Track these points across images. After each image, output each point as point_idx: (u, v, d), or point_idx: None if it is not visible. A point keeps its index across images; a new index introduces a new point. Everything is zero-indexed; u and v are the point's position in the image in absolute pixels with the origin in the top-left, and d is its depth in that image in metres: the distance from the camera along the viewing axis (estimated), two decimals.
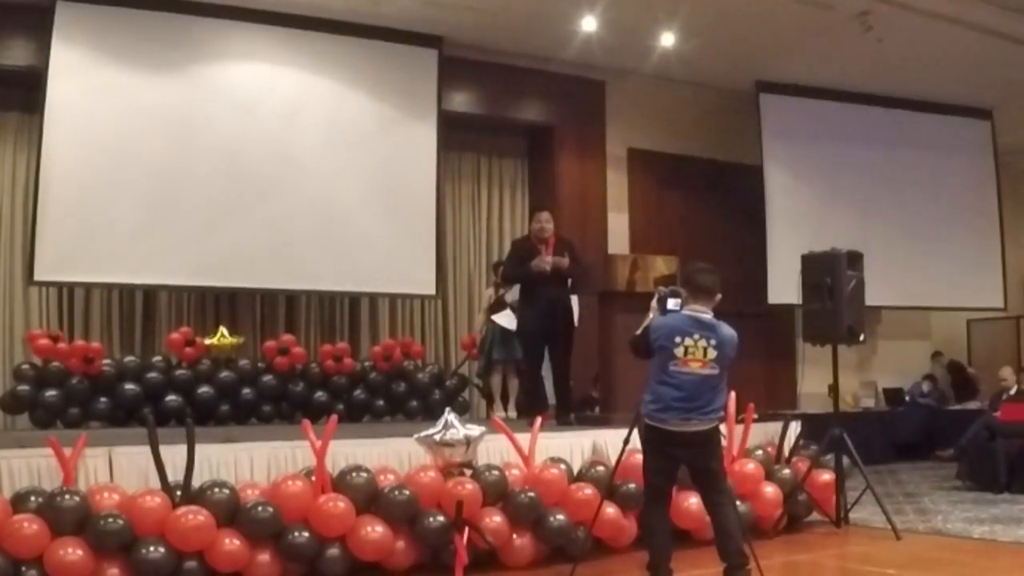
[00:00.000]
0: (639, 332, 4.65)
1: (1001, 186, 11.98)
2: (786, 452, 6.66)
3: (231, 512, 4.69)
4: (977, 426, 8.99)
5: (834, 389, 6.80)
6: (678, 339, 4.44)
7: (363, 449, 5.39)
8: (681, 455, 4.54)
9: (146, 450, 4.69)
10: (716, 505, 4.55)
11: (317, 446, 4.94)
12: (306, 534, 4.77)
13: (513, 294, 8.40)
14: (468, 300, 10.51)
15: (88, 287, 8.71)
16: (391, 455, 5.43)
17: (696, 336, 4.45)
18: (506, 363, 8.79)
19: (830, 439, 6.47)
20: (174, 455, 4.75)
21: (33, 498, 4.47)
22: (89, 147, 8.28)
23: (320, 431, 5.05)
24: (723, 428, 4.79)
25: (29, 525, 4.30)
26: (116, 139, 8.38)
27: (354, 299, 9.83)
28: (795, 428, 6.85)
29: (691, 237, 10.56)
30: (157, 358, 8.51)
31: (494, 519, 5.13)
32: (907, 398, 12.01)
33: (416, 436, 5.31)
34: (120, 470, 4.84)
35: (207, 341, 8.57)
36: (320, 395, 8.87)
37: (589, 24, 9.28)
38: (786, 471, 6.44)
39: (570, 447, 5.99)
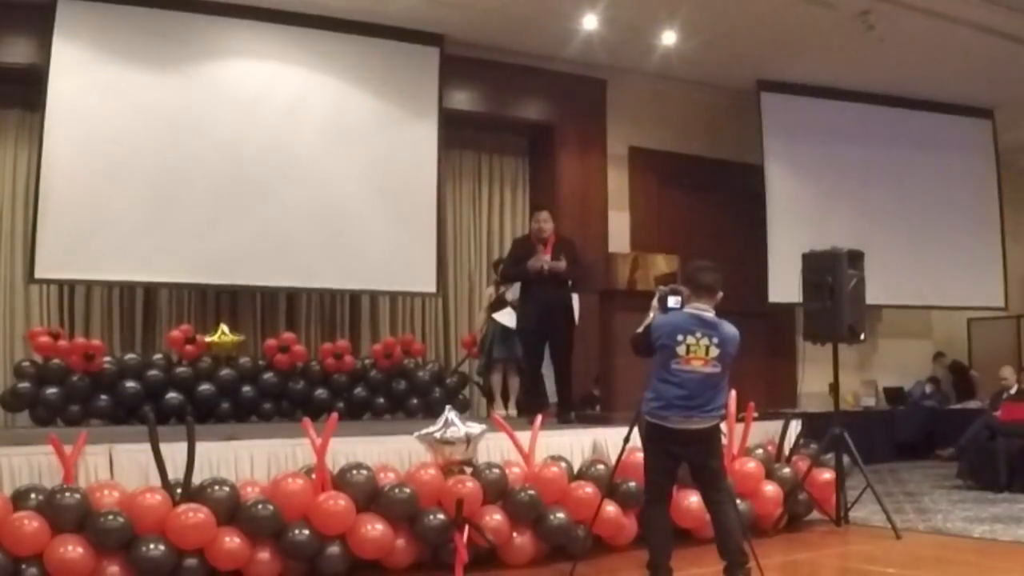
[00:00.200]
0: (640, 330, 4.66)
1: (1002, 185, 11.96)
2: (786, 451, 6.66)
3: (231, 510, 4.70)
4: (977, 425, 9.00)
5: (834, 388, 6.80)
6: (680, 337, 4.45)
7: (363, 447, 5.40)
8: (682, 453, 4.55)
9: (146, 448, 4.70)
10: (716, 504, 4.56)
11: (317, 444, 4.94)
12: (306, 532, 4.77)
13: (513, 292, 8.40)
14: (469, 298, 10.50)
15: (89, 284, 8.70)
16: (391, 453, 5.44)
17: (698, 334, 4.45)
18: (506, 361, 8.80)
19: (830, 438, 6.47)
20: (174, 453, 4.76)
21: (33, 496, 4.48)
22: (90, 144, 8.27)
23: (320, 429, 5.06)
24: (723, 427, 4.79)
25: (29, 523, 4.31)
26: (117, 136, 8.37)
27: (355, 297, 9.82)
28: (795, 427, 6.86)
29: (692, 236, 10.55)
30: (158, 356, 8.50)
31: (494, 517, 5.13)
32: (909, 399, 12.02)
33: (416, 434, 5.32)
34: (120, 468, 4.84)
35: (208, 339, 8.56)
36: (320, 393, 8.86)
37: (590, 22, 9.26)
38: (786, 470, 6.45)
39: (570, 445, 5.99)
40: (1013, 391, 9.39)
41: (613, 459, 5.56)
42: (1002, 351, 12.16)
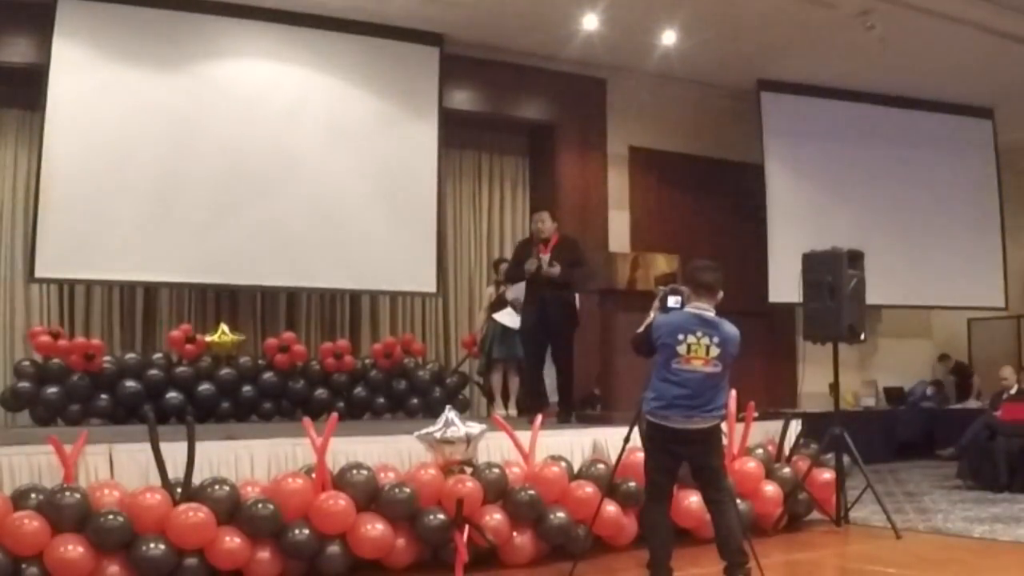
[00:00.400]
0: (641, 330, 4.66)
1: (1002, 185, 11.96)
2: (786, 451, 6.66)
3: (231, 510, 4.69)
4: (977, 425, 8.99)
5: (835, 388, 6.80)
6: (681, 337, 4.45)
7: (363, 447, 5.39)
8: (683, 452, 4.54)
9: (146, 447, 4.70)
10: (716, 503, 4.55)
11: (317, 444, 4.94)
12: (306, 532, 4.77)
13: (514, 292, 8.41)
14: (469, 298, 10.50)
15: (89, 284, 8.70)
16: (391, 453, 5.43)
17: (699, 334, 4.45)
18: (506, 361, 8.81)
19: (830, 438, 6.47)
20: (174, 452, 4.76)
21: (33, 495, 4.48)
22: (90, 144, 8.27)
23: (321, 429, 5.06)
24: (723, 426, 4.78)
25: (29, 522, 4.31)
26: (117, 136, 8.37)
27: (355, 297, 9.83)
28: (795, 427, 6.85)
29: (692, 235, 10.55)
30: (158, 355, 8.51)
31: (494, 517, 5.13)
32: (909, 399, 12.02)
33: (416, 434, 5.32)
34: (120, 467, 4.84)
35: (208, 338, 8.56)
36: (321, 393, 8.86)
37: (590, 22, 9.26)
38: (786, 470, 6.44)
39: (570, 445, 5.99)
40: (1013, 391, 9.39)
41: (613, 459, 5.56)
42: (1002, 351, 12.15)
